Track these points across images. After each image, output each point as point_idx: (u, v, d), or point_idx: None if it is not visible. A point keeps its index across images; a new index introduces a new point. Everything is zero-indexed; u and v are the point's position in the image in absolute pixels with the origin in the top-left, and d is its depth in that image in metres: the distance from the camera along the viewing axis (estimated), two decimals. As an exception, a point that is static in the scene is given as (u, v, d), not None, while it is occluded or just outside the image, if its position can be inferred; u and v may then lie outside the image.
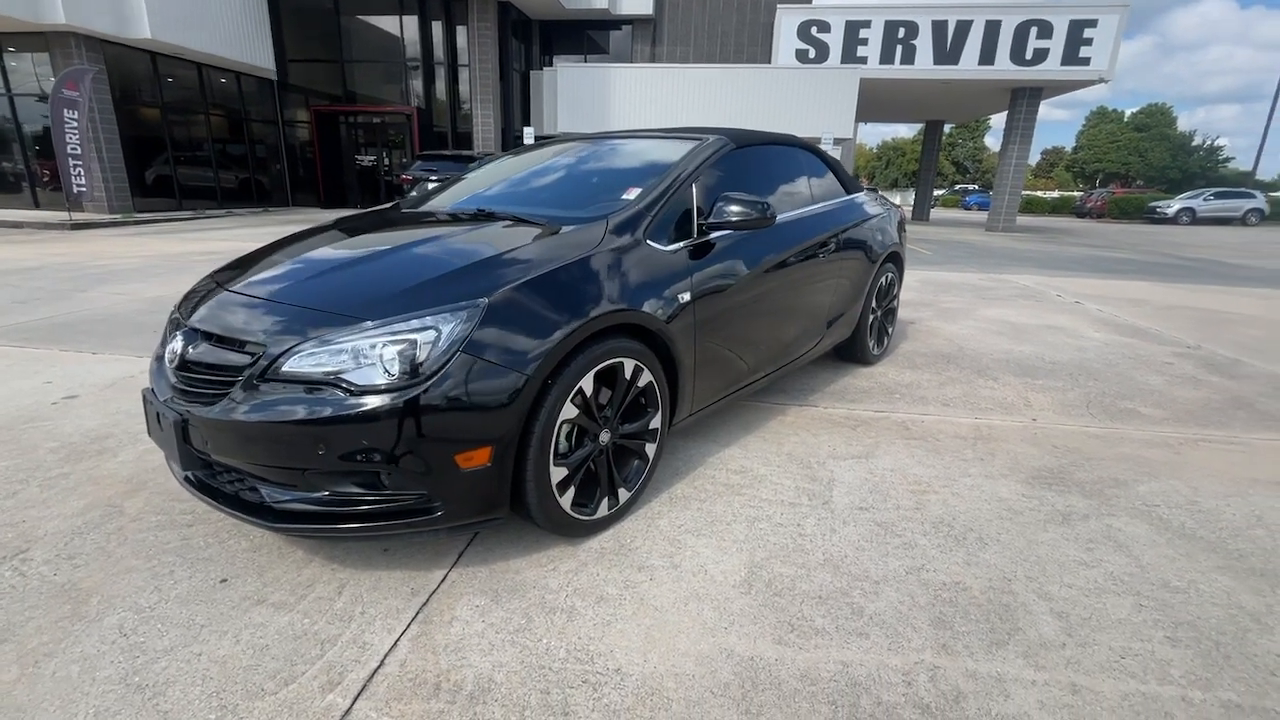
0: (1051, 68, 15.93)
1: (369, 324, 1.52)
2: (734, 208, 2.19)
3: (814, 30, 16.42)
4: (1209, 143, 50.08)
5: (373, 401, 1.45)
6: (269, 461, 1.53)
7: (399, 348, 1.49)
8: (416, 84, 17.16)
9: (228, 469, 1.64)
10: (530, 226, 2.11)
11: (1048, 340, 4.59)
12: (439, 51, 16.98)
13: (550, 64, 18.64)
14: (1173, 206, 25.69)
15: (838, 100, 15.93)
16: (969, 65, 16.13)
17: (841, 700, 1.34)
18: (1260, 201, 25.48)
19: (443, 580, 1.70)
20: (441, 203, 2.75)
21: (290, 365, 1.51)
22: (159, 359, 1.85)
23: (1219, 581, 1.78)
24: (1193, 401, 3.32)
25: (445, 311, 1.55)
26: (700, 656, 1.45)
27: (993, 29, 15.80)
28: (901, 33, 16.17)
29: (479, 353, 1.53)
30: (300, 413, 1.46)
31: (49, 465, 2.27)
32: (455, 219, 2.37)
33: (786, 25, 16.49)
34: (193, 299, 1.91)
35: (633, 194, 2.20)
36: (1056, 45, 15.73)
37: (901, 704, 1.34)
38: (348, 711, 1.28)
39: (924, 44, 16.17)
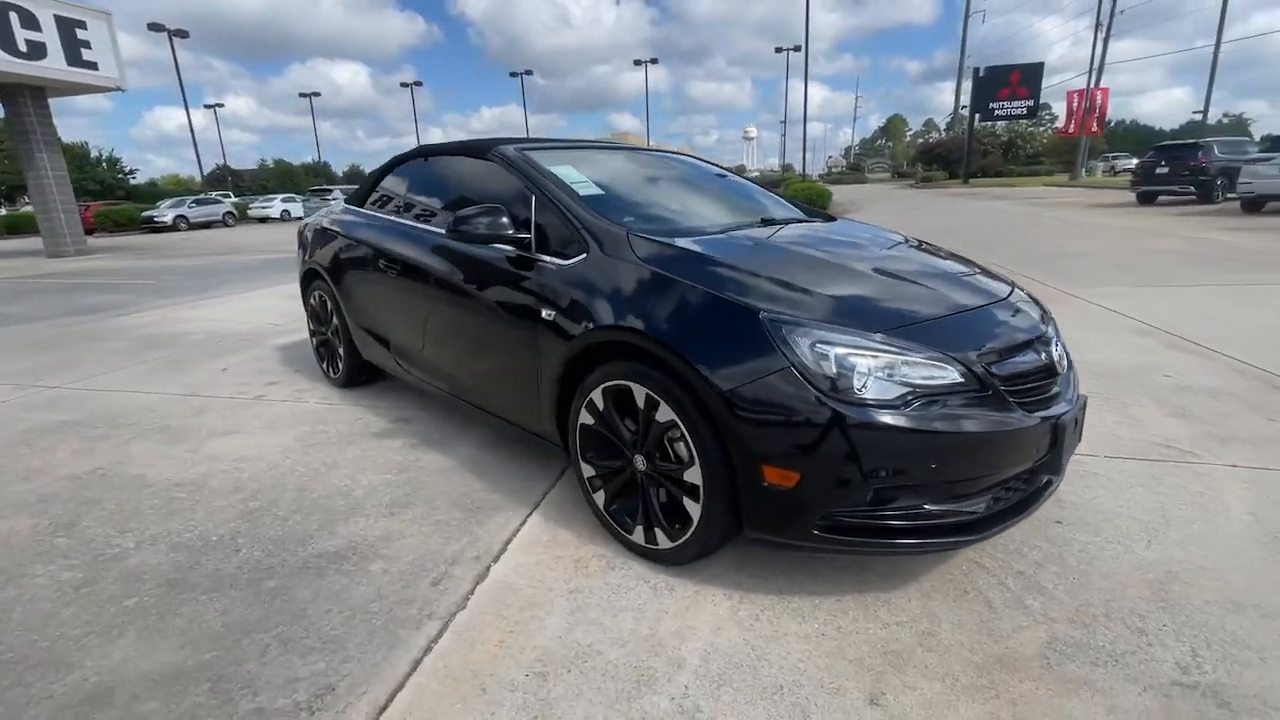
0: (57, 66, 13.89)
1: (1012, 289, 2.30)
2: None
3: None
4: (107, 155, 51.03)
5: None
6: None
7: None
8: None
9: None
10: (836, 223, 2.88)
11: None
12: None
13: None
14: (168, 215, 26.79)
15: None
16: (-63, 43, 11.84)
17: None
18: (229, 205, 30.26)
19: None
20: (699, 219, 2.64)
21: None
22: (1035, 389, 1.75)
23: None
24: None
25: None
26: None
27: (-41, 3, 12.01)
28: None
29: None
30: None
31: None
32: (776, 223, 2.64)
33: None
34: (963, 332, 1.78)
35: (777, 197, 3.15)
36: (53, 42, 13.70)
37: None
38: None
39: None
